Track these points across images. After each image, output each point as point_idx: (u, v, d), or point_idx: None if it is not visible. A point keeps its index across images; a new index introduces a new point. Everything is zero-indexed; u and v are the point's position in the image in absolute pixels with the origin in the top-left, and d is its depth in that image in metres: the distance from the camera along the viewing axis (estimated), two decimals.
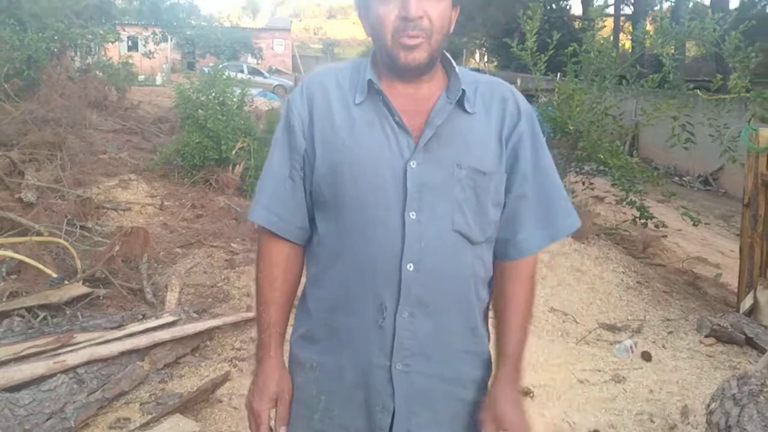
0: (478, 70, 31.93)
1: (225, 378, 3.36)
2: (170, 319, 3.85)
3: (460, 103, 1.34)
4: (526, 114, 1.39)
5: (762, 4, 23.50)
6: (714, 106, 7.08)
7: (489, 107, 1.36)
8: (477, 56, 40.40)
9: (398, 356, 1.31)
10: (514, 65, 21.85)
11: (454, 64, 1.38)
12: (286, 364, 1.45)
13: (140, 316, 4.06)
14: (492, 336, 1.45)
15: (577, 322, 4.61)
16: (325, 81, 1.38)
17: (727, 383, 2.72)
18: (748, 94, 6.76)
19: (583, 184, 7.57)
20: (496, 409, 1.34)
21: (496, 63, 34.07)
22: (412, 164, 1.29)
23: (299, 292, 1.47)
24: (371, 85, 1.33)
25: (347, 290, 1.33)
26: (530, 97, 12.36)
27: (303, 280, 1.47)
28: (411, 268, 1.29)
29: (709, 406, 2.70)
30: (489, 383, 1.41)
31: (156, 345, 3.57)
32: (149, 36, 12.89)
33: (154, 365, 3.47)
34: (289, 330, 1.47)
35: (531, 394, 3.43)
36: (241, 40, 33.40)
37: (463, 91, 1.33)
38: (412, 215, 1.28)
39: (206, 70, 9.68)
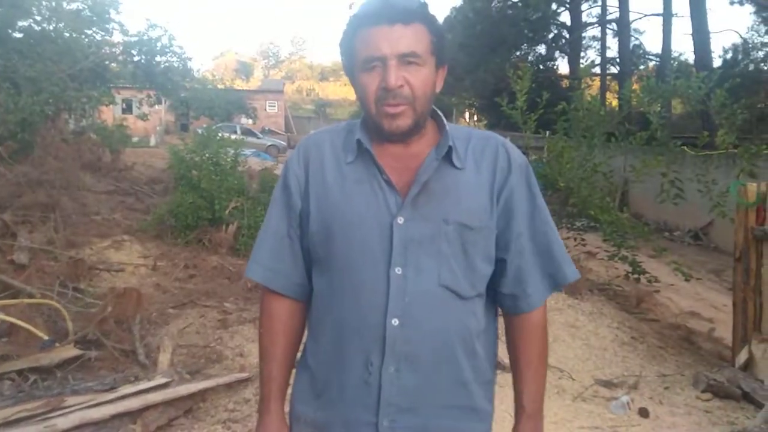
0: None
1: None
2: (162, 380, 3.80)
3: (448, 159, 1.36)
4: (518, 166, 1.41)
5: (744, 62, 24.21)
6: (702, 162, 7.23)
7: (480, 162, 1.39)
8: (467, 115, 41.12)
9: (384, 412, 1.32)
10: (503, 124, 22.21)
11: (445, 121, 1.41)
12: (288, 418, 1.47)
13: (132, 378, 4.01)
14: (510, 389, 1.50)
15: (573, 379, 4.57)
16: (320, 142, 1.44)
17: None
18: (735, 150, 6.92)
19: (575, 239, 7.63)
20: None
21: (485, 122, 34.67)
22: (399, 220, 1.32)
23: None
24: (360, 144, 1.37)
25: (338, 346, 1.36)
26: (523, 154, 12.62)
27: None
28: (396, 323, 1.30)
29: None
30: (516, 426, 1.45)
31: (148, 407, 3.51)
32: (143, 98, 13.11)
33: (147, 428, 3.41)
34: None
35: None
36: (235, 101, 34.03)
37: (450, 147, 1.36)
38: (398, 270, 1.31)
39: (200, 131, 9.81)
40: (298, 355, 1.51)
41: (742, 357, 4.79)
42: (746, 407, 4.28)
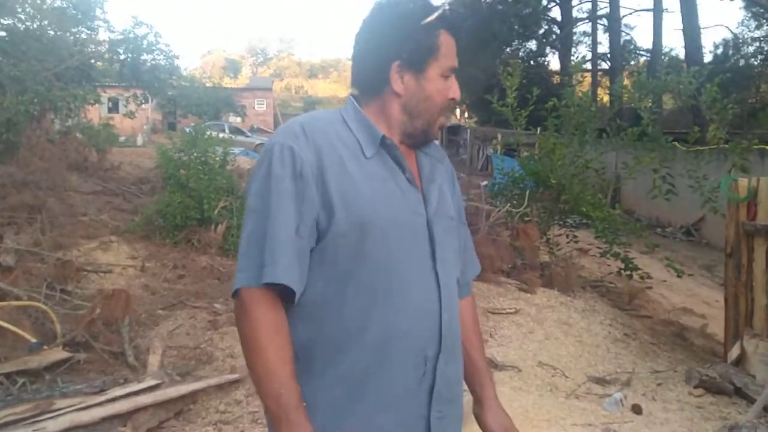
0: (459, 126, 32.54)
1: None
2: (152, 382, 3.76)
3: (442, 162, 1.48)
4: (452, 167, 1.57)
5: (735, 57, 24.36)
6: (693, 157, 7.23)
7: (440, 161, 1.50)
8: (458, 112, 41.18)
9: (436, 404, 1.33)
10: (494, 120, 22.27)
11: None
12: None
13: (122, 380, 3.97)
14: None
15: (566, 376, 4.56)
16: (326, 132, 1.32)
17: None
18: (726, 145, 6.92)
19: (567, 237, 7.63)
20: (506, 425, 1.48)
21: (476, 119, 34.72)
22: (431, 219, 1.36)
23: None
24: (384, 141, 1.34)
25: (385, 350, 1.27)
26: (512, 151, 12.56)
27: None
28: (446, 318, 1.34)
29: None
30: (481, 411, 1.51)
31: (138, 409, 3.48)
32: (130, 97, 12.99)
33: (137, 430, 3.37)
34: None
35: None
36: (224, 99, 33.86)
37: (441, 149, 1.48)
38: (439, 268, 1.35)
39: (188, 130, 9.73)
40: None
41: (734, 352, 4.79)
42: (738, 402, 4.28)
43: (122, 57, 12.87)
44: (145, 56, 12.96)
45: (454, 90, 1.37)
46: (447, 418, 1.37)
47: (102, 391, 3.70)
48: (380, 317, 1.28)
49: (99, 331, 4.62)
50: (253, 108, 40.45)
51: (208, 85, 34.44)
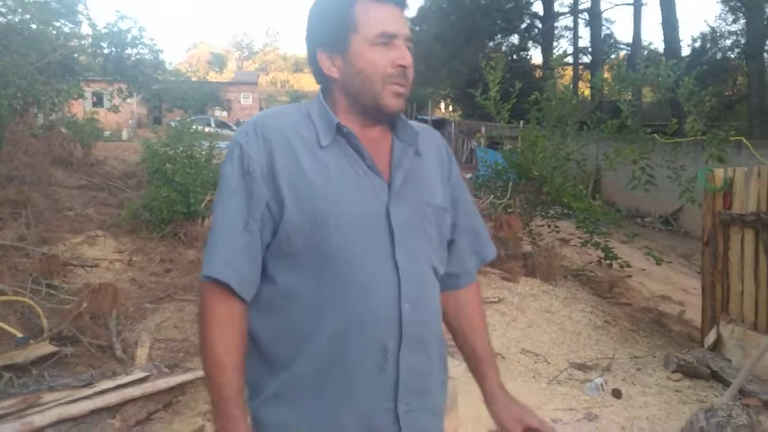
0: (443, 119, 32.62)
1: None
2: (141, 375, 3.79)
3: (415, 147, 1.40)
4: (452, 156, 1.53)
5: (712, 51, 24.60)
6: (671, 149, 7.36)
7: (430, 150, 1.46)
8: (442, 106, 41.24)
9: (402, 396, 1.31)
10: (478, 114, 22.36)
11: None
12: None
13: (110, 374, 3.99)
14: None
15: (548, 363, 4.66)
16: (280, 125, 1.33)
17: (695, 416, 2.79)
18: (703, 137, 7.06)
19: (549, 227, 7.74)
20: (516, 413, 1.43)
21: (460, 112, 34.80)
22: (392, 207, 1.31)
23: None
24: (339, 128, 1.31)
25: (340, 341, 1.28)
26: (496, 144, 12.66)
27: None
28: (408, 308, 1.30)
29: None
30: (489, 403, 1.48)
31: (127, 402, 3.50)
32: (114, 91, 12.91)
33: (126, 422, 3.41)
34: None
35: None
36: (209, 93, 33.65)
37: (418, 134, 1.41)
38: (400, 256, 1.30)
39: (173, 124, 9.72)
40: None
41: (710, 338, 4.92)
42: (715, 386, 4.41)
43: (106, 51, 12.77)
44: (129, 50, 12.89)
45: (398, 55, 1.29)
46: (418, 411, 1.34)
47: (90, 384, 3.71)
48: (336, 308, 1.27)
49: (86, 325, 4.63)
50: (239, 102, 40.22)
51: (193, 79, 34.23)
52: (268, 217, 1.29)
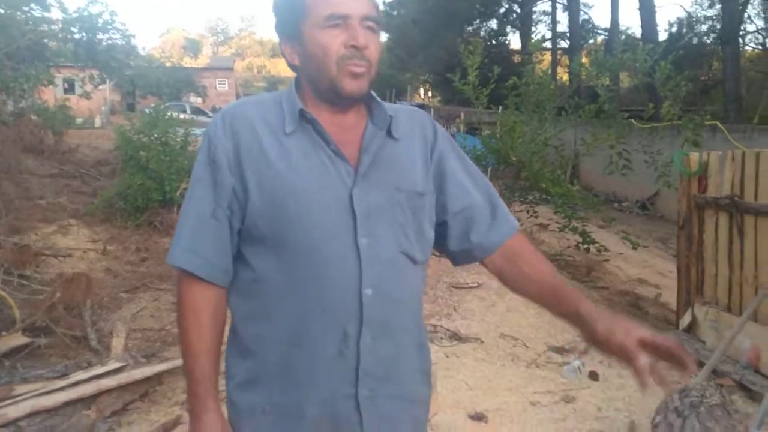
0: (422, 105, 32.60)
1: (176, 422, 3.28)
2: (116, 365, 3.74)
3: (388, 130, 1.38)
4: (442, 134, 1.47)
5: (689, 36, 24.80)
6: (648, 133, 7.42)
7: (411, 133, 1.42)
8: (421, 92, 41.19)
9: (363, 382, 1.30)
10: (457, 99, 22.36)
11: (374, 94, 1.41)
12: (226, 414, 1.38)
13: (85, 364, 3.95)
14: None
15: (527, 346, 4.68)
16: (247, 114, 1.34)
17: (669, 397, 2.82)
18: (679, 122, 7.12)
19: (528, 212, 7.76)
20: (623, 325, 1.25)
21: (439, 98, 34.78)
22: (356, 191, 1.30)
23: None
24: (302, 114, 1.31)
25: (304, 325, 1.29)
26: (474, 129, 12.67)
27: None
28: (370, 293, 1.29)
29: (654, 419, 2.78)
30: (591, 326, 1.30)
31: (102, 393, 3.46)
32: (86, 77, 12.66)
33: (101, 413, 3.36)
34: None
35: (485, 419, 3.46)
36: (184, 80, 33.22)
37: (391, 117, 1.38)
38: (364, 241, 1.29)
39: (147, 111, 9.58)
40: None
41: (685, 320, 4.98)
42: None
43: (76, 36, 12.55)
44: (100, 36, 12.66)
45: (352, 37, 1.27)
46: (383, 397, 1.33)
47: (64, 375, 3.67)
48: (298, 293, 1.28)
49: (60, 316, 4.56)
50: (215, 88, 39.76)
51: (167, 65, 33.74)
52: (236, 204, 1.31)
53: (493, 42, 28.20)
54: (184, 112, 20.96)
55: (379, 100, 1.39)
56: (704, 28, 24.49)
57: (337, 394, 1.30)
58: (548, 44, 27.37)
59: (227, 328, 1.40)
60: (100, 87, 13.84)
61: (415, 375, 1.42)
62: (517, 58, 26.16)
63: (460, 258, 1.48)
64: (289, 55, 1.36)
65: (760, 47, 23.06)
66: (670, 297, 6.01)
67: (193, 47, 63.46)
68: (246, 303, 1.34)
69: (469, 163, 1.49)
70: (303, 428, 1.32)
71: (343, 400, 1.31)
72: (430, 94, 38.23)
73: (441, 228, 1.45)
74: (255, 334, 1.33)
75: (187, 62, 49.70)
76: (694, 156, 5.13)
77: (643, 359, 1.21)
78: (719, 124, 9.93)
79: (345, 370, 1.30)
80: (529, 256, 1.44)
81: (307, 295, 1.28)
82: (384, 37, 34.41)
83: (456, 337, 4.66)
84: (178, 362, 4.00)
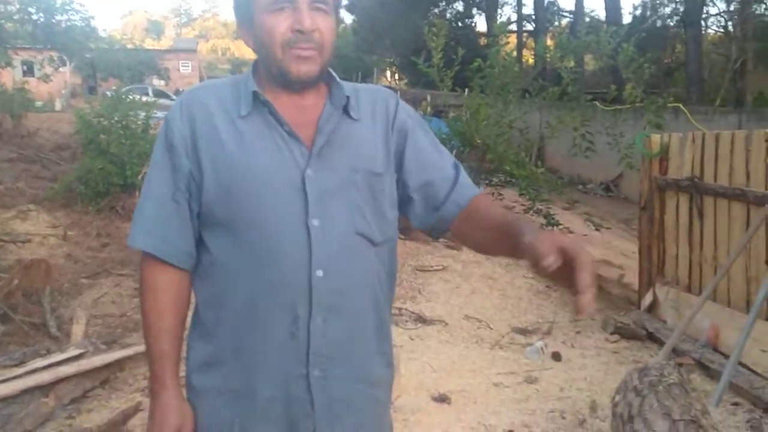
0: (390, 87, 32.47)
1: (136, 408, 3.23)
2: (76, 352, 3.67)
3: (345, 111, 1.37)
4: (406, 112, 1.45)
5: (653, 18, 25.05)
6: (611, 116, 7.49)
7: (373, 112, 1.41)
8: (388, 74, 41.01)
9: (314, 363, 1.31)
10: (423, 82, 22.28)
11: (334, 74, 1.40)
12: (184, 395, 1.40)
13: (44, 352, 3.87)
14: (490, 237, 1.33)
15: (491, 328, 4.73)
16: (204, 98, 1.35)
17: (629, 376, 2.86)
18: (642, 104, 7.20)
19: (493, 194, 7.80)
20: (551, 237, 1.09)
21: (406, 81, 34.67)
22: (309, 172, 1.29)
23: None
24: (256, 96, 1.31)
25: (254, 308, 1.30)
26: (440, 112, 12.67)
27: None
28: (320, 275, 1.29)
29: (614, 398, 2.83)
30: (518, 244, 1.15)
31: (61, 380, 3.39)
32: (45, 60, 12.31)
33: (60, 401, 3.30)
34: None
35: (448, 400, 3.48)
36: (146, 62, 32.55)
37: (348, 97, 1.37)
38: (315, 222, 1.28)
39: (108, 93, 9.36)
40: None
41: (647, 300, 5.07)
42: (650, 346, 4.56)
43: (34, 17, 12.17)
44: (58, 17, 12.29)
45: (297, 20, 1.26)
46: (336, 379, 1.34)
47: (22, 363, 3.59)
48: (249, 275, 1.29)
49: (18, 303, 4.45)
50: (178, 71, 39.05)
51: (129, 47, 33.00)
52: (194, 188, 1.32)
53: (459, 24, 28.13)
54: (147, 94, 20.51)
55: (338, 80, 1.38)
56: (668, 11, 24.78)
57: (289, 375, 1.31)
58: (514, 27, 27.42)
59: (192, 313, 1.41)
60: (60, 70, 13.49)
61: (373, 357, 1.41)
62: (483, 41, 26.15)
63: (435, 230, 1.44)
64: (245, 38, 1.36)
65: (722, 30, 23.41)
66: (633, 278, 6.11)
67: (155, 29, 62.14)
68: (205, 286, 1.36)
69: (432, 137, 1.46)
70: (255, 409, 1.33)
71: (295, 381, 1.31)
72: (396, 77, 38.10)
73: (409, 204, 1.43)
74: (213, 317, 1.35)
75: (150, 44, 48.73)
76: (656, 138, 5.20)
77: (550, 260, 1.04)
78: (681, 107, 10.06)
79: (297, 352, 1.30)
80: (484, 209, 1.37)
81: (259, 277, 1.29)
82: (349, 19, 34.22)
83: (420, 319, 4.68)
84: (140, 348, 3.94)
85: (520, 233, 1.16)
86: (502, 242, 1.26)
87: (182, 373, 1.38)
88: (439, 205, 1.41)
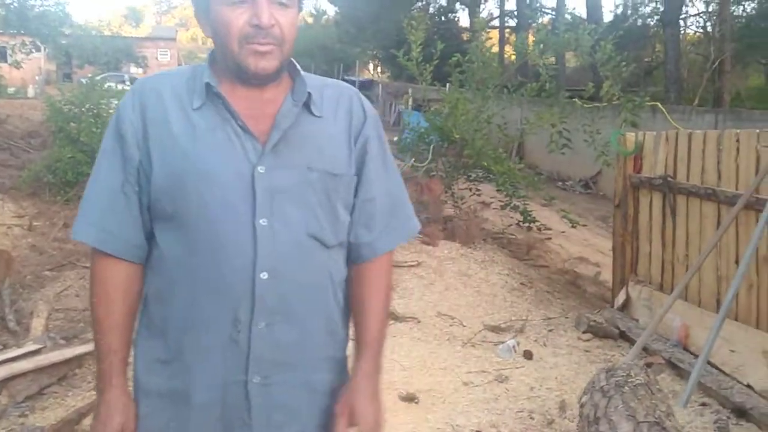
0: (371, 81, 32.35)
1: (92, 407, 3.13)
2: (33, 347, 3.55)
3: (306, 107, 1.32)
4: (371, 116, 1.41)
5: (633, 17, 25.17)
6: (588, 113, 7.48)
7: (336, 110, 1.36)
8: (371, 66, 40.88)
9: (255, 369, 1.27)
10: (405, 76, 22.21)
11: (299, 68, 1.35)
12: (132, 393, 1.35)
13: (0, 347, 3.74)
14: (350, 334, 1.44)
15: (464, 325, 4.68)
16: (158, 87, 1.30)
17: (597, 376, 2.83)
18: (618, 102, 7.20)
19: (471, 190, 7.77)
20: (352, 403, 1.33)
21: (389, 74, 34.57)
22: (260, 169, 1.24)
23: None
24: (209, 88, 1.26)
25: (197, 307, 1.26)
26: (420, 106, 12.59)
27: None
28: (265, 277, 1.24)
29: (581, 399, 2.79)
30: (353, 373, 1.38)
31: (16, 376, 3.28)
32: (17, 45, 12.05)
33: (14, 398, 3.20)
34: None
35: (416, 400, 3.43)
36: (124, 49, 32.15)
37: (309, 93, 1.32)
38: (263, 222, 1.24)
39: (83, 81, 9.18)
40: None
41: (620, 298, 5.06)
42: (623, 345, 4.54)
43: (7, 2, 11.91)
44: (32, 1, 12.05)
45: (252, 14, 1.21)
46: (278, 385, 1.30)
47: None
48: (194, 273, 1.25)
49: None
50: (156, 59, 38.63)
51: (106, 33, 32.53)
52: (144, 180, 1.28)
53: (443, 18, 28.11)
54: (123, 82, 20.27)
55: (302, 74, 1.34)
56: (648, 10, 24.91)
57: (227, 380, 1.28)
58: (497, 22, 27.43)
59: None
60: (33, 55, 13.20)
61: (323, 363, 1.37)
62: (465, 36, 26.15)
63: (350, 249, 1.41)
64: (202, 27, 1.32)
65: (701, 30, 23.58)
66: (609, 275, 6.09)
67: (134, 16, 61.22)
68: (154, 281, 1.32)
69: (387, 154, 1.44)
70: (190, 415, 1.29)
71: (233, 387, 1.28)
72: (379, 69, 38.00)
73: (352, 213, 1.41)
74: (161, 314, 1.32)
75: (128, 31, 48.09)
76: (630, 136, 5.18)
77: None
78: (659, 105, 10.09)
79: (237, 356, 1.27)
80: (373, 296, 1.41)
81: (202, 276, 1.26)
82: (332, 10, 34.01)
83: (393, 316, 4.61)
84: None
85: (357, 362, 1.37)
86: (355, 338, 1.41)
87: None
88: (369, 232, 1.40)
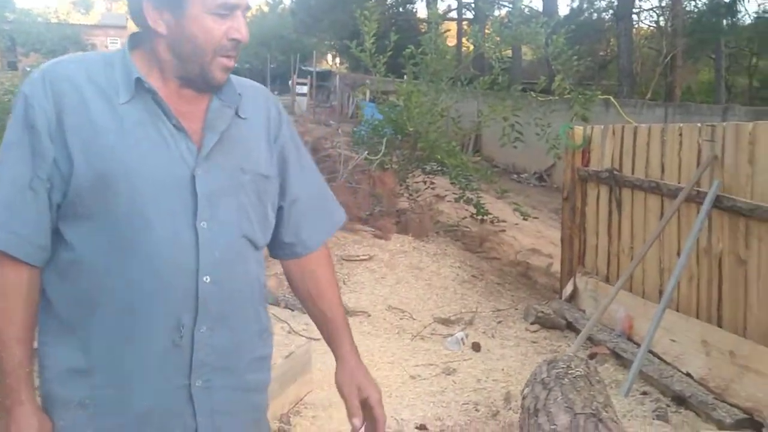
0: (329, 71, 32.15)
1: None
2: None
3: (235, 108, 1.31)
4: (285, 118, 1.43)
5: (589, 11, 25.56)
6: (540, 106, 7.56)
7: (257, 111, 1.36)
8: (329, 58, 40.64)
9: (197, 373, 1.25)
10: (364, 67, 22.08)
11: None
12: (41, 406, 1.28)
13: None
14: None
15: (414, 319, 4.69)
16: (71, 74, 1.21)
17: (538, 368, 2.86)
18: (569, 95, 7.30)
19: (425, 183, 7.79)
20: (358, 382, 1.39)
21: (347, 64, 34.41)
22: (199, 171, 1.22)
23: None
24: (140, 83, 1.20)
25: (132, 314, 1.20)
26: (376, 98, 12.54)
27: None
28: (207, 281, 1.22)
29: (523, 391, 2.82)
30: (339, 357, 1.43)
31: None
32: None
33: None
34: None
35: None
36: (71, 37, 31.22)
37: (240, 96, 1.31)
38: (204, 225, 1.21)
39: (29, 69, 8.89)
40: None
41: (568, 289, 5.14)
42: (569, 335, 4.61)
43: None
44: None
45: (235, 29, 1.21)
46: (219, 389, 1.28)
47: None
48: (128, 279, 1.19)
49: None
50: (106, 47, 37.63)
51: (53, 20, 31.56)
52: (57, 176, 1.18)
53: (400, 10, 28.07)
54: None
55: (229, 75, 1.30)
56: (603, 4, 25.32)
57: (169, 385, 1.24)
58: (455, 14, 27.51)
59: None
60: None
61: (254, 363, 1.38)
62: (423, 27, 26.16)
63: (282, 251, 1.46)
64: (152, 18, 1.21)
65: (654, 25, 24.08)
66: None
67: (84, 3, 59.36)
68: (67, 287, 1.23)
69: (302, 151, 1.46)
70: (128, 423, 1.24)
71: (175, 392, 1.25)
72: (337, 60, 37.80)
73: (278, 214, 1.41)
74: (80, 321, 1.23)
75: (77, 19, 46.75)
76: (579, 130, 5.26)
77: (357, 422, 1.36)
78: (612, 99, 10.27)
79: (179, 362, 1.24)
80: (322, 280, 1.47)
81: (137, 281, 1.19)
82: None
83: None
84: None
85: (338, 348, 1.43)
86: (322, 331, 1.46)
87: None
88: (302, 231, 1.44)
